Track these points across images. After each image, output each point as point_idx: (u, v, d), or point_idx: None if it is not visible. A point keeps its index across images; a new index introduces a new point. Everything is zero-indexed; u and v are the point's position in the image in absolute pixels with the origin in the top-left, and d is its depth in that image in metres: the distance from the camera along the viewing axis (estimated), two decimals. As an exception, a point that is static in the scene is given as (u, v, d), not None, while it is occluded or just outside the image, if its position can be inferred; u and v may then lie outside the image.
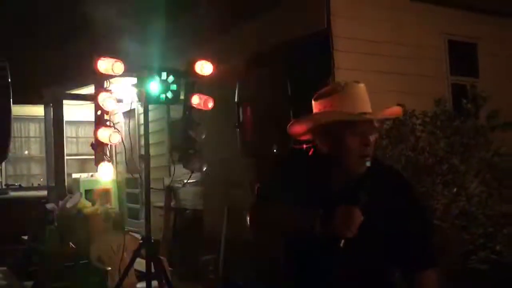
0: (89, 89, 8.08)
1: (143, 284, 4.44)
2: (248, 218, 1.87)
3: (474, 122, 3.79)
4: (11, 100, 3.44)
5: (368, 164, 1.75)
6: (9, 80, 3.42)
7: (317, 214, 1.64)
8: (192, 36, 6.04)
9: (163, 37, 5.26)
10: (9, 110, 3.37)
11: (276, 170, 1.98)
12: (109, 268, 4.77)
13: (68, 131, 9.24)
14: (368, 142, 1.76)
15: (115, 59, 3.62)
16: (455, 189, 3.55)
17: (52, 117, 7.88)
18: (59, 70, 7.97)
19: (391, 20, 5.36)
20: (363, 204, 1.65)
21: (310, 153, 1.88)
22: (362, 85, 1.85)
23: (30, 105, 8.88)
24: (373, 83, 5.00)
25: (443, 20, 5.78)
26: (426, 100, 4.76)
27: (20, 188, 8.94)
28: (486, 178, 3.48)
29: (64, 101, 7.63)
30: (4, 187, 8.96)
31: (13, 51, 7.48)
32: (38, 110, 8.68)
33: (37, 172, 9.76)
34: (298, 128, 1.90)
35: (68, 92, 7.64)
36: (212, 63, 4.08)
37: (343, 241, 1.61)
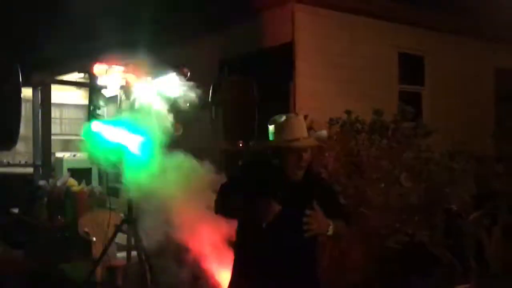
0: (73, 75, 8.75)
1: (123, 253, 5.21)
2: (214, 206, 2.65)
3: (401, 131, 4.62)
4: (21, 96, 4.09)
5: (301, 171, 2.50)
6: (20, 80, 4.06)
7: (251, 205, 2.40)
8: (172, 41, 6.73)
9: (146, 43, 5.90)
10: (19, 106, 4.02)
11: (235, 174, 2.72)
12: (94, 239, 5.50)
13: (52, 112, 9.82)
14: (300, 158, 2.46)
15: (108, 65, 4.33)
16: (382, 185, 4.41)
17: (40, 99, 8.50)
18: (48, 56, 8.50)
19: (348, 35, 6.15)
20: (282, 199, 2.40)
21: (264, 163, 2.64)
22: (300, 117, 2.62)
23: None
24: (331, 90, 5.88)
25: (394, 35, 6.61)
26: (378, 105, 5.55)
27: (8, 164, 9.51)
28: (405, 176, 4.34)
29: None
30: (-8, 164, 9.51)
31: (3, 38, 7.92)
32: (25, 92, 9.21)
33: (22, 150, 10.34)
34: (257, 147, 2.67)
35: (56, 78, 8.23)
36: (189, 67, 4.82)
37: (264, 224, 2.38)
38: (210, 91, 5.37)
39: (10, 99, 3.90)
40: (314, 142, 2.57)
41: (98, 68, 4.33)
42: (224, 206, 2.61)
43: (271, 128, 2.55)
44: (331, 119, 5.10)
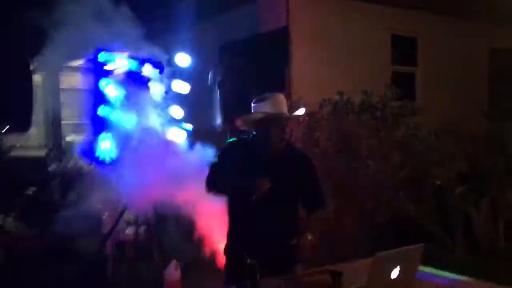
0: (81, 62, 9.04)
1: (131, 229, 5.59)
2: (205, 184, 2.97)
3: (390, 111, 4.91)
4: (33, 83, 4.43)
5: (282, 143, 2.81)
6: (31, 68, 4.39)
7: (243, 182, 2.72)
8: (172, 26, 6.99)
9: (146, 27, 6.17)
10: (31, 93, 4.36)
11: (221, 153, 2.99)
12: (105, 216, 5.89)
13: (62, 97, 10.15)
14: (283, 130, 2.77)
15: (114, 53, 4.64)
16: (369, 162, 4.72)
17: (50, 85, 8.87)
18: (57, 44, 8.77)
19: (342, 18, 6.38)
20: (274, 170, 2.72)
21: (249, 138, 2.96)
22: (282, 95, 2.92)
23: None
24: (325, 72, 6.14)
25: (387, 17, 6.82)
26: (372, 86, 5.79)
27: (20, 147, 9.89)
28: (392, 153, 4.64)
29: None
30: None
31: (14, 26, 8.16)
32: (35, 78, 9.58)
33: (34, 134, 10.69)
34: (240, 122, 2.99)
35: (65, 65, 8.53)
36: (190, 52, 5.13)
37: (254, 196, 2.69)
38: (210, 75, 5.69)
39: (23, 87, 4.23)
40: (293, 117, 2.89)
41: (103, 56, 4.65)
42: (215, 184, 2.90)
43: (255, 105, 2.86)
44: (323, 100, 5.38)
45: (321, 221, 2.94)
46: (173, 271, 2.69)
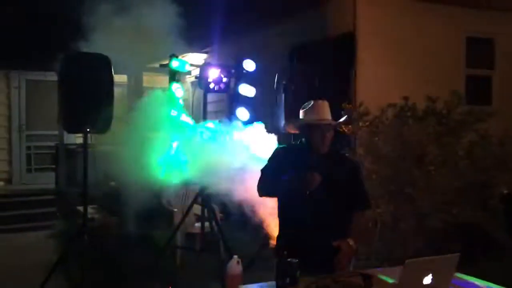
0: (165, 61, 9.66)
1: (199, 223, 5.96)
2: (257, 189, 3.19)
3: (455, 117, 4.84)
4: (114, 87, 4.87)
5: (325, 148, 2.99)
6: (113, 71, 4.84)
7: (296, 177, 2.92)
8: (242, 32, 7.29)
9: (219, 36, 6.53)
10: (112, 97, 4.81)
11: (272, 158, 3.19)
12: (175, 210, 6.33)
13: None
14: (324, 135, 2.94)
15: (184, 60, 5.01)
16: (431, 168, 4.71)
17: (133, 84, 9.58)
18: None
19: (411, 21, 6.32)
20: (321, 170, 2.91)
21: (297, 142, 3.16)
22: (325, 102, 3.07)
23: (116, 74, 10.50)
24: (392, 76, 6.13)
25: (462, 18, 6.63)
26: (445, 90, 5.62)
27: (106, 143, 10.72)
28: (454, 160, 4.59)
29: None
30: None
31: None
32: (121, 77, 10.35)
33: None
34: (288, 127, 3.19)
35: (147, 66, 9.15)
36: (256, 58, 5.39)
37: (308, 192, 2.90)
38: (275, 79, 5.90)
39: (105, 92, 4.69)
40: (334, 123, 3.02)
41: (175, 62, 5.03)
42: (266, 188, 3.12)
43: (301, 111, 3.05)
44: (388, 105, 5.40)
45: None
46: (234, 266, 2.78)
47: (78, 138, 10.31)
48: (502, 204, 5.22)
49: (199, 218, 6.07)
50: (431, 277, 2.46)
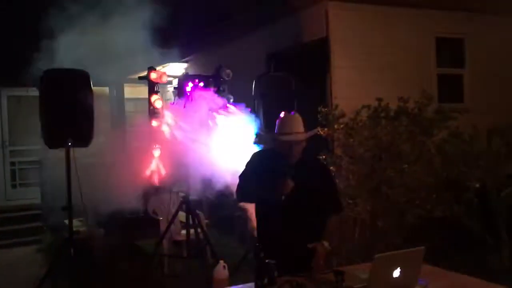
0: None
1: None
2: (235, 194, 3.33)
3: (425, 116, 5.03)
4: (93, 100, 4.98)
5: (295, 159, 3.14)
6: (91, 85, 4.95)
7: (270, 184, 3.06)
8: (220, 42, 7.45)
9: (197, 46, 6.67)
10: (93, 110, 4.92)
11: (248, 164, 3.33)
12: (161, 218, 6.43)
13: (127, 106, 10.95)
14: (291, 148, 3.07)
15: (162, 72, 5.14)
16: (405, 166, 4.89)
17: (115, 95, 9.67)
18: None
19: (382, 25, 6.51)
20: (292, 176, 3.05)
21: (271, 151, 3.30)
22: (296, 115, 3.22)
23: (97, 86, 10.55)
24: (366, 78, 6.32)
25: (431, 20, 6.85)
26: (416, 90, 5.75)
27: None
28: (426, 158, 4.78)
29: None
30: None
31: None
32: (103, 90, 10.42)
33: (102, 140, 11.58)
34: (260, 141, 3.32)
35: (128, 77, 9.25)
36: (234, 66, 5.53)
37: (283, 197, 3.05)
38: (253, 86, 6.05)
39: (84, 105, 4.79)
40: (300, 137, 3.12)
41: (153, 74, 5.15)
42: (244, 194, 3.27)
43: (276, 124, 3.20)
44: (363, 106, 5.57)
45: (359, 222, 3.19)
46: (221, 270, 2.84)
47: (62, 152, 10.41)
48: (477, 198, 5.42)
49: (185, 225, 6.17)
50: (400, 270, 2.61)
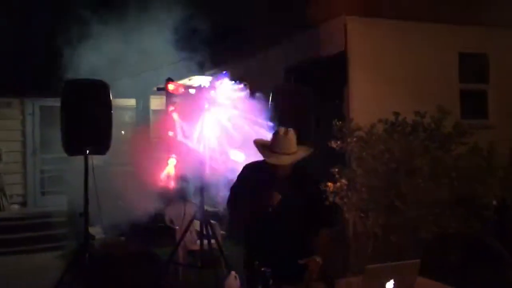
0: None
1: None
2: (226, 206, 3.37)
3: (440, 131, 4.97)
4: (112, 111, 5.14)
5: (284, 175, 3.16)
6: (111, 96, 5.11)
7: (257, 196, 3.10)
8: (243, 56, 7.56)
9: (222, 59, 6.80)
10: (111, 119, 5.07)
11: (240, 176, 3.39)
12: (177, 227, 6.53)
13: (153, 117, 11.19)
14: (280, 171, 3.13)
15: (179, 84, 5.26)
16: (419, 181, 4.83)
17: (141, 107, 9.91)
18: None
19: (402, 40, 6.49)
20: (280, 189, 3.08)
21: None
22: (291, 133, 3.22)
23: (125, 98, 10.84)
24: (385, 92, 6.30)
25: (453, 36, 6.77)
26: (434, 104, 5.79)
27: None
28: (441, 173, 4.71)
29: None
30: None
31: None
32: (130, 101, 10.72)
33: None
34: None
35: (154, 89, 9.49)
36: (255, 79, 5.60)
37: (270, 208, 3.08)
38: (270, 98, 6.11)
39: (103, 115, 4.95)
40: (287, 161, 3.14)
41: (171, 86, 5.28)
42: (234, 205, 3.33)
43: (271, 137, 3.23)
44: (379, 120, 5.55)
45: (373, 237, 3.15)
46: (232, 281, 2.87)
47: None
48: (496, 214, 5.29)
49: (200, 235, 6.24)
50: (393, 282, 2.60)
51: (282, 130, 3.21)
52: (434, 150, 4.84)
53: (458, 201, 4.72)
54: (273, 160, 3.10)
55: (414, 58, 6.52)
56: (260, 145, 3.29)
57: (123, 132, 12.15)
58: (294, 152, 3.16)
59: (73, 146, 4.94)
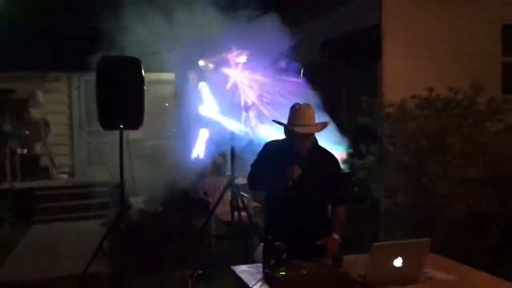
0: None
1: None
2: (247, 182, 3.45)
3: (474, 108, 4.83)
4: (144, 87, 5.28)
5: (304, 150, 3.20)
6: (143, 72, 5.24)
7: (278, 170, 3.16)
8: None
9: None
10: (143, 94, 5.23)
11: (260, 153, 3.42)
12: (211, 200, 6.71)
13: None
14: (302, 143, 3.16)
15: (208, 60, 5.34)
16: (450, 158, 4.74)
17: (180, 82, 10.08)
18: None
19: (440, 12, 6.25)
20: (300, 164, 3.14)
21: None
22: (310, 107, 3.24)
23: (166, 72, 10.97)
24: (421, 68, 6.13)
25: (495, 7, 6.46)
26: (479, 80, 5.40)
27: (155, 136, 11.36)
28: (472, 151, 4.60)
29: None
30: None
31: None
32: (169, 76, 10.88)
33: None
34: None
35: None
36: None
37: (290, 182, 3.13)
38: (302, 70, 6.09)
39: (136, 91, 5.11)
40: (315, 130, 3.19)
41: (201, 62, 5.37)
42: (255, 181, 3.40)
43: (289, 113, 3.26)
44: (412, 96, 5.45)
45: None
46: (260, 252, 2.95)
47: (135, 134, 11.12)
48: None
49: (232, 207, 6.39)
50: (401, 260, 2.62)
51: (301, 104, 3.24)
52: (467, 127, 4.71)
53: (490, 180, 4.60)
54: (300, 129, 3.13)
55: (453, 32, 6.29)
56: (280, 122, 3.33)
57: (167, 104, 12.51)
58: (315, 124, 3.20)
59: (107, 121, 5.14)
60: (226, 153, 7.36)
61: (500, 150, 4.62)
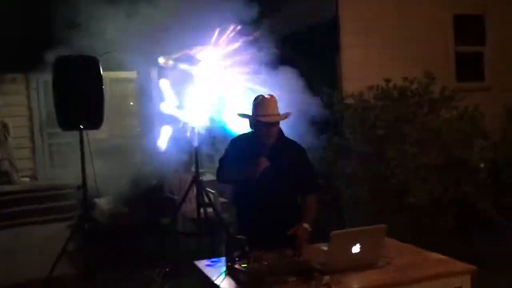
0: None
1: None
2: (216, 176, 3.49)
3: (428, 97, 4.99)
4: (103, 85, 5.22)
5: (271, 140, 3.26)
6: (101, 71, 5.17)
7: (245, 163, 3.20)
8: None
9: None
10: (102, 94, 5.17)
11: (227, 148, 3.45)
12: (176, 197, 6.71)
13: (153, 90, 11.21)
14: (269, 132, 3.21)
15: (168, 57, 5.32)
16: (406, 146, 4.89)
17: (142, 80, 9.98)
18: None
19: (394, 3, 6.42)
20: (267, 156, 3.18)
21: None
22: (273, 98, 3.30)
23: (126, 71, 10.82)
24: (378, 58, 6.28)
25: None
26: (432, 69, 5.62)
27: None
28: (427, 139, 4.76)
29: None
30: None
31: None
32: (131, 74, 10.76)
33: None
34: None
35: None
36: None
37: (257, 175, 3.16)
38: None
39: (94, 90, 5.05)
40: (279, 118, 3.24)
41: (161, 59, 5.34)
42: (223, 175, 3.43)
43: (252, 104, 3.31)
44: (369, 87, 5.58)
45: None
46: None
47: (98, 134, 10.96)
48: (488, 177, 5.35)
49: (198, 204, 6.40)
50: (359, 246, 2.71)
51: (265, 95, 3.28)
52: (422, 115, 4.86)
53: (446, 165, 4.77)
54: (265, 118, 3.17)
55: (408, 22, 6.47)
56: (244, 114, 3.36)
57: (131, 103, 12.37)
58: (279, 114, 3.24)
59: (67, 121, 5.06)
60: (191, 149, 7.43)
61: (454, 136, 4.79)
